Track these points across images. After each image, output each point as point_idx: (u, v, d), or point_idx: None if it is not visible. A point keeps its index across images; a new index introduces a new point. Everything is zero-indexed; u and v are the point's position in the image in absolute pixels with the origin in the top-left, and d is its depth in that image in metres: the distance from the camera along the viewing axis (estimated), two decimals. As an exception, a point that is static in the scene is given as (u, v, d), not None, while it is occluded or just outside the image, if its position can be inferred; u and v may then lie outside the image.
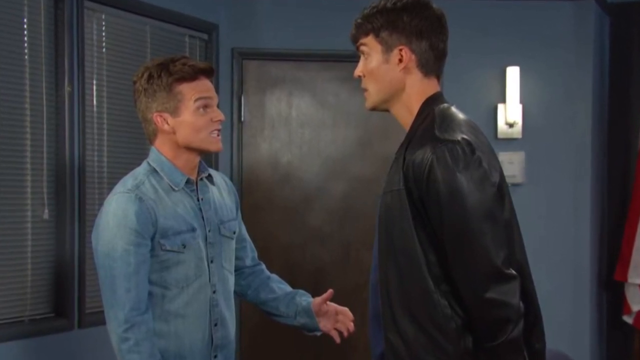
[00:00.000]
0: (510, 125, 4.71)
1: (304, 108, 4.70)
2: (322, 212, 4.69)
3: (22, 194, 3.42)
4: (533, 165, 4.74)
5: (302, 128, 4.70)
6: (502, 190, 1.98)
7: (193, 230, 2.39)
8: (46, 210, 3.50)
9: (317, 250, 4.69)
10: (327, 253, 4.69)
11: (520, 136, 4.72)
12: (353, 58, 2.27)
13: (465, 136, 1.94)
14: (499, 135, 4.70)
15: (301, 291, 2.66)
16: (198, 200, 2.44)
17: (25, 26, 3.42)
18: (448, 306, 1.92)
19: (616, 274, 4.77)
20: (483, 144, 2.00)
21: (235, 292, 2.62)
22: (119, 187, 2.38)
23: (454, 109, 2.07)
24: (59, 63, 3.54)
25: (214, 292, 2.43)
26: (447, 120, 2.00)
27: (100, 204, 2.49)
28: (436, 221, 1.91)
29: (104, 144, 3.78)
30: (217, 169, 4.21)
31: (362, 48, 2.10)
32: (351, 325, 2.62)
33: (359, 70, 2.12)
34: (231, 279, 2.54)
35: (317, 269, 4.67)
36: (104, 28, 3.79)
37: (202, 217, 2.43)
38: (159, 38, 4.08)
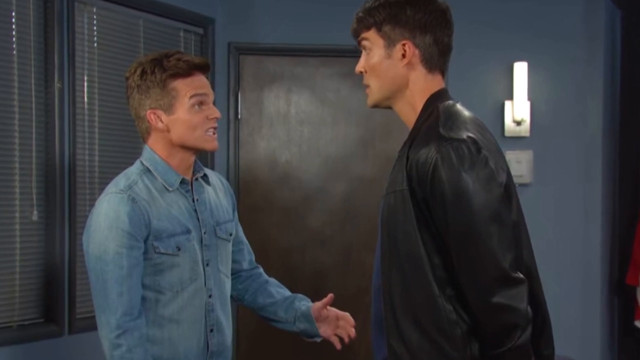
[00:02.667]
0: (518, 123, 4.71)
1: (303, 105, 4.70)
2: (322, 213, 4.69)
3: (10, 194, 3.42)
4: (541, 165, 4.74)
5: (301, 126, 4.70)
6: (509, 190, 1.98)
7: (188, 232, 2.39)
8: (35, 212, 3.50)
9: (317, 253, 4.69)
10: (327, 256, 4.69)
11: (528, 134, 4.72)
12: (354, 53, 2.27)
13: (471, 134, 1.94)
14: (506, 134, 4.70)
15: (300, 295, 2.66)
16: (193, 201, 2.44)
17: (13, 20, 3.43)
18: (453, 311, 1.91)
19: (628, 277, 4.77)
20: (490, 143, 2.00)
21: (231, 296, 2.61)
22: (111, 187, 2.37)
23: (459, 106, 2.07)
24: (49, 58, 3.54)
25: (210, 296, 2.43)
26: (452, 117, 2.00)
27: (92, 205, 2.49)
28: (441, 223, 1.90)
29: (96, 142, 3.78)
30: (213, 168, 4.21)
31: (364, 43, 2.10)
32: (352, 331, 2.61)
33: (360, 66, 2.11)
34: (228, 283, 2.54)
35: (317, 272, 4.67)
36: (95, 22, 3.79)
37: (198, 219, 2.43)
38: (152, 32, 4.08)
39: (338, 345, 2.61)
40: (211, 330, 2.43)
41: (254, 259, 2.75)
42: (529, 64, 4.69)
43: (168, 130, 2.39)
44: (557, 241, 4.70)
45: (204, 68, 2.44)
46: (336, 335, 2.61)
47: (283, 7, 4.63)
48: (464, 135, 1.93)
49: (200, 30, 4.37)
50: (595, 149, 4.79)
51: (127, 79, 2.43)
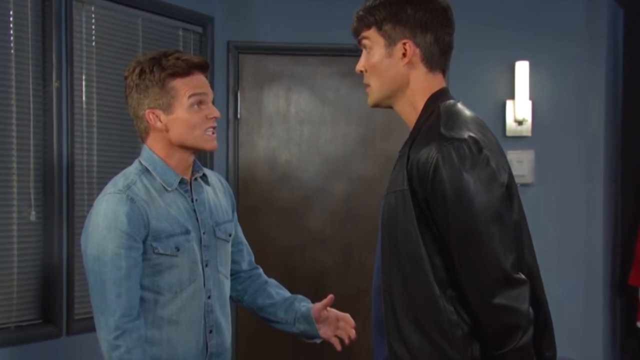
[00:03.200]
0: (519, 123, 4.71)
1: (303, 104, 4.70)
2: (322, 213, 4.69)
3: (8, 194, 3.42)
4: (543, 165, 4.74)
5: (301, 125, 4.70)
6: (510, 190, 1.98)
7: (187, 232, 2.39)
8: (33, 212, 3.50)
9: (317, 253, 4.69)
10: (327, 256, 4.69)
11: (529, 134, 4.72)
12: (354, 52, 2.27)
13: (472, 134, 1.94)
14: (508, 133, 4.71)
15: (300, 296, 2.66)
16: (192, 201, 2.44)
17: (11, 19, 3.42)
18: (454, 312, 1.91)
19: (630, 278, 4.77)
20: (491, 142, 2.00)
21: (231, 297, 2.61)
22: (110, 188, 2.37)
23: (460, 106, 2.07)
24: (47, 57, 3.54)
25: (209, 297, 2.43)
26: (453, 117, 2.00)
27: (90, 205, 2.50)
28: (442, 223, 1.90)
29: (94, 142, 3.78)
30: (212, 168, 4.21)
31: (364, 42, 2.10)
32: (352, 332, 2.61)
33: (360, 65, 2.11)
34: (227, 284, 2.54)
35: (317, 273, 4.67)
36: (93, 20, 3.79)
37: (197, 219, 2.43)
38: (151, 31, 4.08)
39: (338, 347, 2.61)
40: (210, 332, 2.43)
41: (253, 259, 2.75)
42: (531, 62, 4.69)
43: (167, 130, 2.39)
44: (559, 241, 4.70)
45: (203, 67, 2.43)
46: (336, 336, 2.61)
47: (282, 6, 4.63)
48: (465, 134, 1.93)
49: (199, 29, 4.37)
50: (597, 148, 4.79)
51: (126, 78, 2.43)
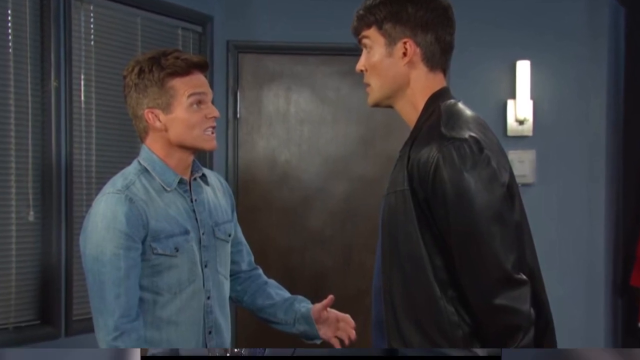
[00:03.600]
0: (521, 123, 4.71)
1: (303, 104, 4.70)
2: (322, 213, 4.69)
3: (6, 194, 3.42)
4: (544, 165, 4.74)
5: (301, 125, 4.70)
6: (511, 190, 1.98)
7: (186, 232, 2.39)
8: (31, 212, 3.50)
9: (317, 253, 4.69)
10: (327, 257, 4.69)
11: (530, 134, 4.73)
12: (355, 51, 2.27)
13: (473, 134, 1.94)
14: (509, 133, 4.71)
15: (300, 297, 2.66)
16: (191, 201, 2.44)
17: (9, 17, 3.42)
18: (455, 313, 1.92)
19: (632, 279, 4.77)
20: (492, 142, 2.00)
21: (230, 298, 2.61)
22: (108, 188, 2.37)
23: (461, 105, 2.07)
24: (45, 56, 3.53)
25: (209, 298, 2.43)
26: (454, 117, 2.00)
27: (89, 205, 2.49)
28: (442, 223, 1.90)
29: (93, 141, 3.78)
30: (211, 168, 4.21)
31: (365, 41, 2.10)
32: (352, 333, 2.61)
33: (361, 65, 2.11)
34: (226, 284, 2.54)
35: (317, 273, 4.67)
36: (92, 20, 3.79)
37: (196, 219, 2.43)
38: (150, 30, 4.08)
39: (338, 347, 2.61)
40: (209, 332, 2.43)
41: (253, 260, 2.75)
42: (532, 62, 4.69)
43: (166, 130, 2.39)
44: (561, 241, 4.70)
45: (203, 66, 2.43)
46: (336, 337, 2.61)
47: (282, 5, 4.63)
48: (466, 134, 1.93)
49: (199, 28, 4.37)
50: (599, 148, 4.79)
51: (125, 77, 2.43)
